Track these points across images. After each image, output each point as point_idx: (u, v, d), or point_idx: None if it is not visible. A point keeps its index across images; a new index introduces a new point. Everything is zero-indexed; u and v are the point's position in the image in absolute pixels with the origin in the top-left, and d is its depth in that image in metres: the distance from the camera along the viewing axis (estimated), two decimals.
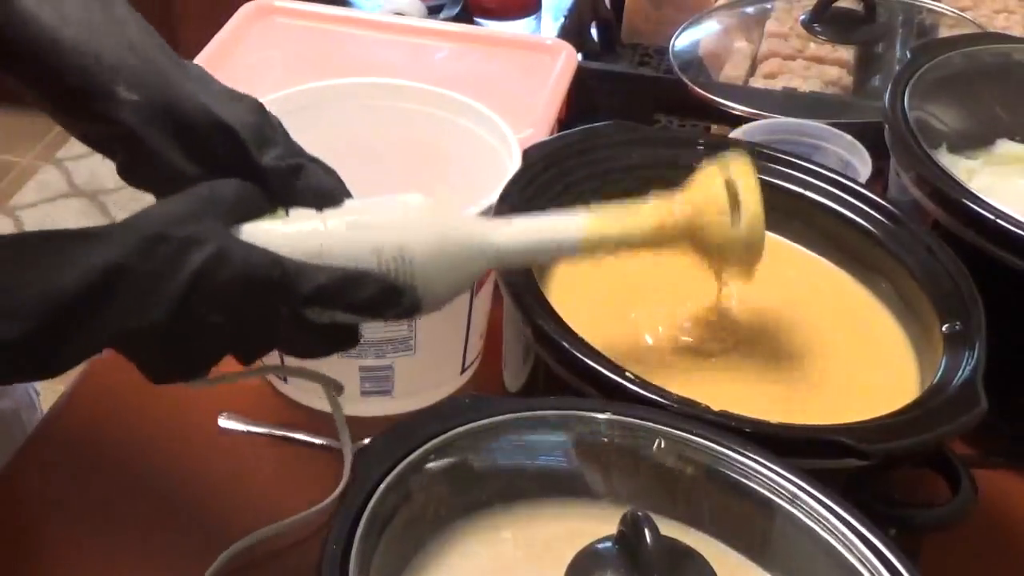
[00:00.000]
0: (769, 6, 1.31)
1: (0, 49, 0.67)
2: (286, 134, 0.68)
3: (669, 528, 0.57)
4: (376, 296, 0.63)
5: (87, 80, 0.66)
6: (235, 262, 0.59)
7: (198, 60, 1.06)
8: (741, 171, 0.71)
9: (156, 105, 0.66)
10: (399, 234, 0.65)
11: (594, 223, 0.70)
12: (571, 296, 0.77)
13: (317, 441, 0.87)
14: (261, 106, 0.68)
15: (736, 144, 0.91)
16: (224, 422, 0.90)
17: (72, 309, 0.58)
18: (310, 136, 0.71)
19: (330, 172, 0.67)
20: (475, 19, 1.36)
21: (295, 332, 0.63)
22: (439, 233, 0.66)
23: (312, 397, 0.89)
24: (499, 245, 0.68)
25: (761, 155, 0.88)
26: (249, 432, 0.89)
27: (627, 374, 0.68)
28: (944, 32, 1.26)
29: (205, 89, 0.67)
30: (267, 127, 0.66)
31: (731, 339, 0.78)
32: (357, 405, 0.89)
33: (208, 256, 0.59)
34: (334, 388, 0.76)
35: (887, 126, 0.92)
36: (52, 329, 0.58)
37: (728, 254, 0.72)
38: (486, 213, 0.79)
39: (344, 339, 0.66)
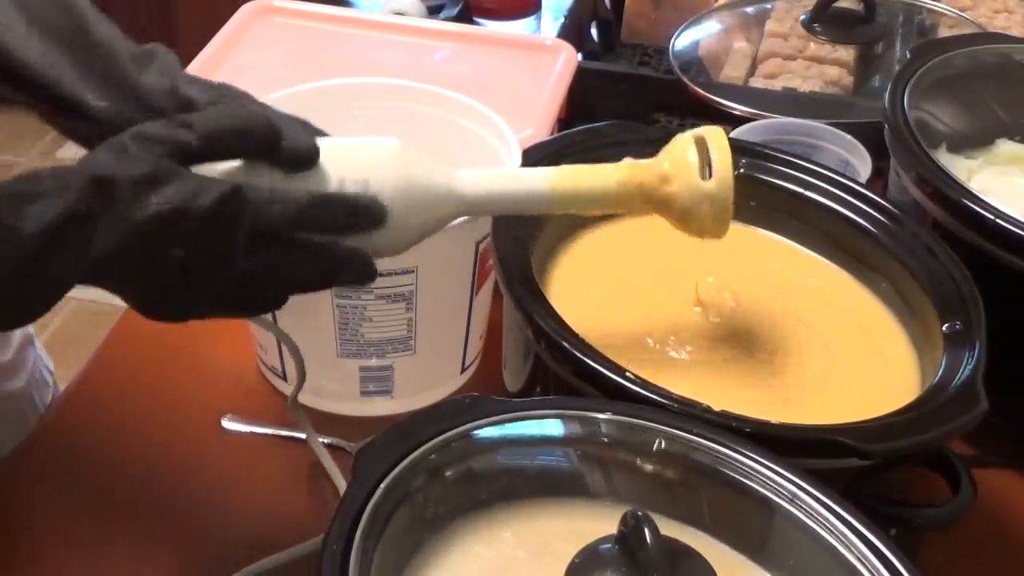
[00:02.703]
0: (769, 6, 1.31)
1: None
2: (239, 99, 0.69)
3: (669, 528, 0.57)
4: (339, 214, 0.64)
5: (59, 94, 0.69)
6: (187, 192, 0.60)
7: (198, 60, 1.06)
8: (713, 135, 0.71)
9: (125, 105, 0.68)
10: (365, 169, 0.66)
11: (562, 175, 0.70)
12: (571, 296, 0.77)
13: (324, 441, 0.87)
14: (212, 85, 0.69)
15: (736, 145, 0.91)
16: (228, 423, 0.90)
17: (35, 259, 0.59)
18: None
19: (305, 124, 0.68)
20: (475, 19, 1.36)
21: (273, 257, 0.63)
22: (406, 173, 0.67)
23: (314, 398, 0.89)
24: (467, 190, 0.69)
25: (761, 155, 0.88)
26: (252, 433, 0.89)
27: (627, 374, 0.68)
28: (944, 32, 1.26)
29: (171, 78, 0.69)
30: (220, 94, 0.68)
31: (731, 339, 0.78)
32: (357, 405, 0.89)
33: (166, 192, 0.60)
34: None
35: (887, 126, 0.92)
36: (16, 280, 0.59)
37: (696, 211, 0.70)
38: None
39: (327, 264, 0.65)
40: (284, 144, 0.64)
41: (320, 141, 0.66)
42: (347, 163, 0.66)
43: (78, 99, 0.69)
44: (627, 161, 0.72)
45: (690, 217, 0.71)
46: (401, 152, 0.68)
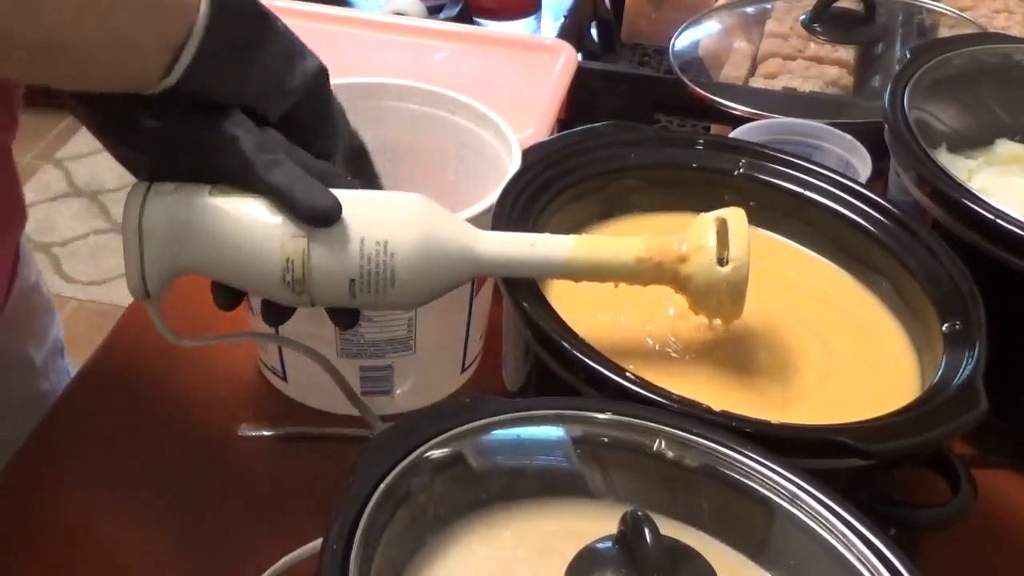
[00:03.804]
0: (769, 6, 1.31)
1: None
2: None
3: (669, 528, 0.57)
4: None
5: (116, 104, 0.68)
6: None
7: None
8: (734, 217, 0.72)
9: (174, 130, 0.67)
10: (386, 228, 0.67)
11: (581, 245, 0.71)
12: (571, 296, 0.77)
13: (347, 432, 0.87)
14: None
15: (736, 145, 0.91)
16: (230, 425, 0.90)
17: None
18: None
19: (336, 174, 0.69)
20: (475, 19, 1.36)
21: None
22: (426, 233, 0.67)
23: (314, 398, 0.89)
24: (484, 255, 0.70)
25: (761, 155, 0.88)
26: (259, 435, 0.89)
27: (627, 374, 0.68)
28: (944, 32, 1.26)
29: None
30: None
31: (731, 340, 0.78)
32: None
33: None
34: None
35: (887, 126, 0.92)
36: None
37: (711, 294, 0.72)
38: (486, 213, 0.79)
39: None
40: (301, 201, 0.65)
41: (343, 194, 0.67)
42: (369, 220, 0.67)
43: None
44: (647, 237, 0.73)
45: (704, 299, 0.72)
46: (424, 210, 0.68)
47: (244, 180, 0.66)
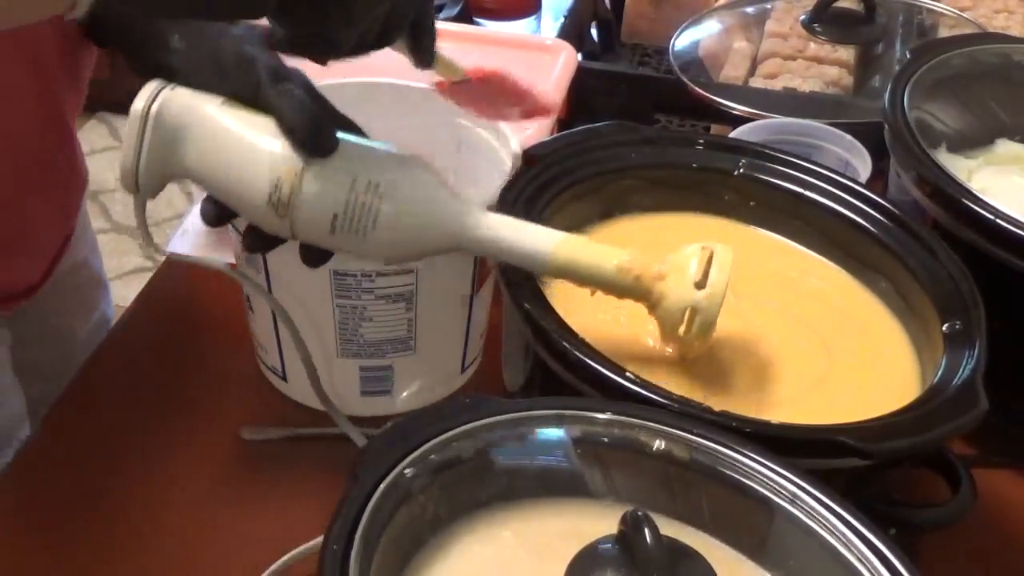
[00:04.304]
0: (769, 6, 1.31)
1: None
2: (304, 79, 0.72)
3: (669, 528, 0.57)
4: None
5: (151, 33, 0.74)
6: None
7: None
8: (720, 252, 0.72)
9: (200, 50, 0.72)
10: (380, 172, 0.68)
11: (567, 243, 0.71)
12: (571, 296, 0.77)
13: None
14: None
15: (736, 145, 0.91)
16: (245, 432, 0.89)
17: None
18: None
19: (347, 121, 0.72)
20: (475, 19, 1.36)
21: None
22: (417, 185, 0.69)
23: (315, 399, 0.89)
24: (469, 226, 0.70)
25: (761, 155, 0.88)
26: (271, 436, 0.89)
27: (627, 374, 0.68)
28: (944, 32, 1.26)
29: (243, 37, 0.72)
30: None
31: (731, 340, 0.78)
32: (357, 405, 0.89)
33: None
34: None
35: (887, 126, 0.92)
36: None
37: (680, 318, 0.71)
38: None
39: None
40: (301, 127, 0.67)
41: (346, 136, 0.68)
42: (367, 162, 0.68)
43: (163, 39, 0.73)
44: (632, 250, 0.73)
45: (673, 321, 0.72)
46: (423, 168, 0.69)
47: (255, 98, 0.69)
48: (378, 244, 0.69)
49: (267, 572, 0.77)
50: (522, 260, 0.72)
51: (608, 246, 0.73)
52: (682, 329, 0.72)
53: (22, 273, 0.98)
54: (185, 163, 0.69)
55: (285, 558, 0.78)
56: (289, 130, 0.68)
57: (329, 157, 0.68)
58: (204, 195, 0.72)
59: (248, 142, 0.68)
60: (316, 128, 0.68)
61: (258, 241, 0.72)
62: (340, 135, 0.69)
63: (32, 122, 0.90)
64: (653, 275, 0.71)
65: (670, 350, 0.75)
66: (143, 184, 0.69)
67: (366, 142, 0.70)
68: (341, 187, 0.68)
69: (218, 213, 0.72)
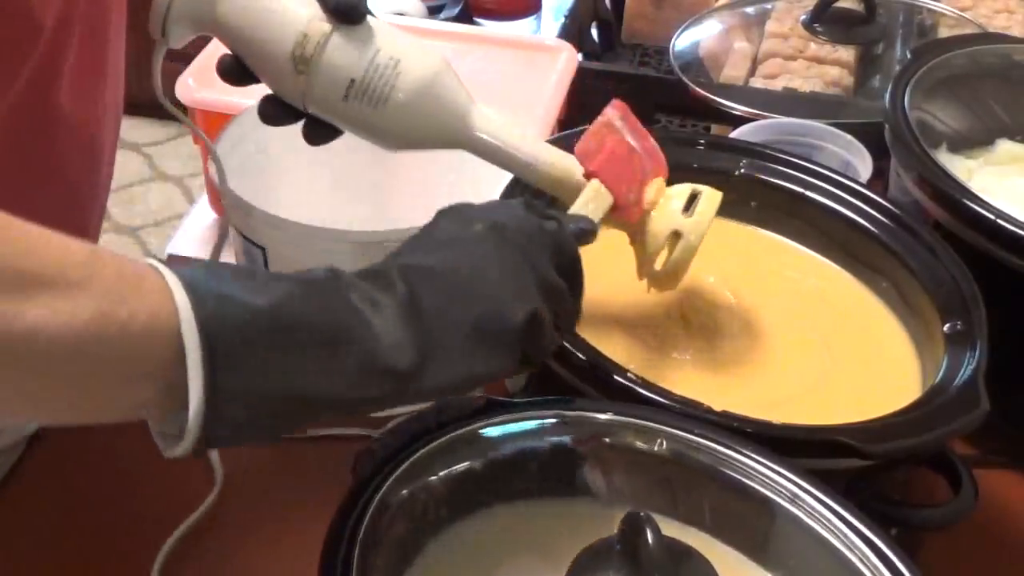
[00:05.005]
0: (769, 6, 1.31)
1: None
2: None
3: (669, 528, 0.57)
4: None
5: None
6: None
7: (200, 59, 1.06)
8: (709, 191, 0.74)
9: None
10: (404, 51, 0.70)
11: (555, 157, 0.74)
12: None
13: (348, 432, 0.87)
14: None
15: (736, 146, 0.91)
16: None
17: None
18: None
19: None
20: (475, 19, 1.36)
21: None
22: (436, 71, 0.71)
23: None
24: (477, 119, 0.73)
25: (761, 155, 0.88)
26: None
27: (627, 374, 0.68)
28: (944, 32, 1.26)
29: None
30: None
31: (731, 340, 0.78)
32: None
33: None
34: None
35: (887, 126, 0.92)
36: None
37: (662, 244, 0.73)
38: None
39: None
40: None
41: (378, 17, 0.71)
42: (394, 40, 0.71)
43: None
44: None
45: (656, 244, 0.74)
46: (441, 60, 0.72)
47: None
48: (386, 118, 0.70)
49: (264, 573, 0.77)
50: (509, 166, 0.75)
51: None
52: (661, 260, 0.74)
53: None
54: (216, 11, 0.70)
55: (284, 558, 0.78)
56: None
57: (358, 27, 0.69)
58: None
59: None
60: None
61: (271, 110, 0.73)
62: (375, 16, 0.70)
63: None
64: (647, 201, 0.74)
65: (648, 286, 0.77)
66: (170, 29, 0.70)
67: (398, 27, 0.72)
68: (363, 55, 0.69)
69: (236, 72, 0.72)
